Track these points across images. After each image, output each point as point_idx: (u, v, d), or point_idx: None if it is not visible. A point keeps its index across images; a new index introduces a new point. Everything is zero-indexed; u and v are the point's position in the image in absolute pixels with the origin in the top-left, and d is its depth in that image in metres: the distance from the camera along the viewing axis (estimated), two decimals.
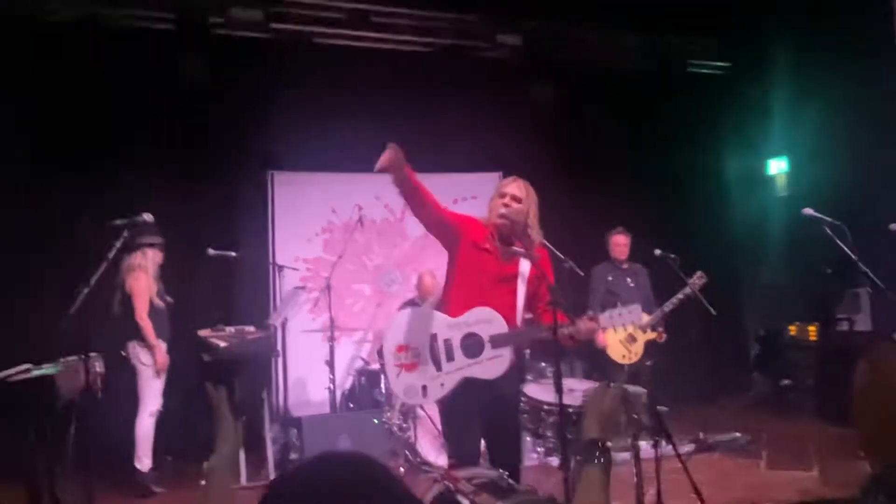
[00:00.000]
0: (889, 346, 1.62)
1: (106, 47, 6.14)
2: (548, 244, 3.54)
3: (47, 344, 3.53)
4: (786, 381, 7.25)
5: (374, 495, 0.99)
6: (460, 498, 2.66)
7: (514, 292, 3.31)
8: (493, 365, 3.17)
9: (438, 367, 3.19)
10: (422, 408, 5.19)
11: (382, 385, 5.76)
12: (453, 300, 3.28)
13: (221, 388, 1.80)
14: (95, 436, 4.81)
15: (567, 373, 5.99)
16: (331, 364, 5.57)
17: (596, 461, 1.55)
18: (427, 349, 3.19)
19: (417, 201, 3.20)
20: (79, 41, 6.10)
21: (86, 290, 3.01)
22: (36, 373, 2.93)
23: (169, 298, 5.42)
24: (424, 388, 3.18)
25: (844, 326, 6.95)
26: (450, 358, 3.18)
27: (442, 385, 3.19)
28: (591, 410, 1.70)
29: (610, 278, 6.14)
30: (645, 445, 3.23)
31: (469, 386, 3.16)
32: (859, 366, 1.55)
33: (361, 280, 7.08)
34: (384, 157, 3.09)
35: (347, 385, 6.14)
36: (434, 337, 3.19)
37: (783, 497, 4.50)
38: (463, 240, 3.28)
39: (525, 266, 3.33)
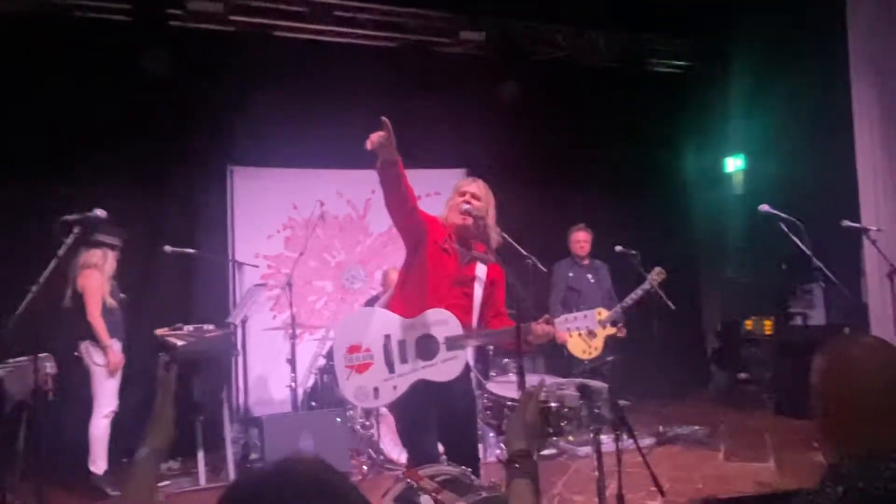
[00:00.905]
0: (845, 341, 1.65)
1: (60, 39, 5.96)
2: (510, 240, 3.54)
3: (2, 328, 3.39)
4: (743, 375, 7.40)
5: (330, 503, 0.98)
6: (423, 495, 2.65)
7: (470, 295, 3.29)
8: (447, 367, 3.12)
9: (391, 369, 3.10)
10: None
11: None
12: (408, 300, 3.20)
13: (172, 375, 1.76)
14: (48, 438, 4.67)
15: (530, 369, 6.03)
16: (292, 362, 5.50)
17: (524, 471, 1.57)
18: (380, 350, 3.10)
19: (398, 188, 3.08)
20: (32, 33, 5.91)
21: (34, 289, 2.91)
22: None
23: (123, 296, 5.29)
24: (376, 389, 3.08)
25: (799, 321, 7.12)
26: (403, 360, 3.11)
27: (395, 388, 3.10)
28: (514, 422, 1.73)
29: (571, 274, 6.19)
30: (606, 439, 3.24)
31: (423, 388, 3.10)
32: (816, 360, 1.57)
33: (324, 277, 7.01)
34: (379, 135, 2.98)
35: (310, 383, 6.07)
36: (388, 338, 3.12)
37: (741, 488, 4.58)
38: (428, 238, 3.21)
39: (481, 270, 3.32)
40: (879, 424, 1.46)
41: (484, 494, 2.52)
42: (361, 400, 3.13)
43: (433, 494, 2.58)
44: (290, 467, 1.02)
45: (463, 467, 2.89)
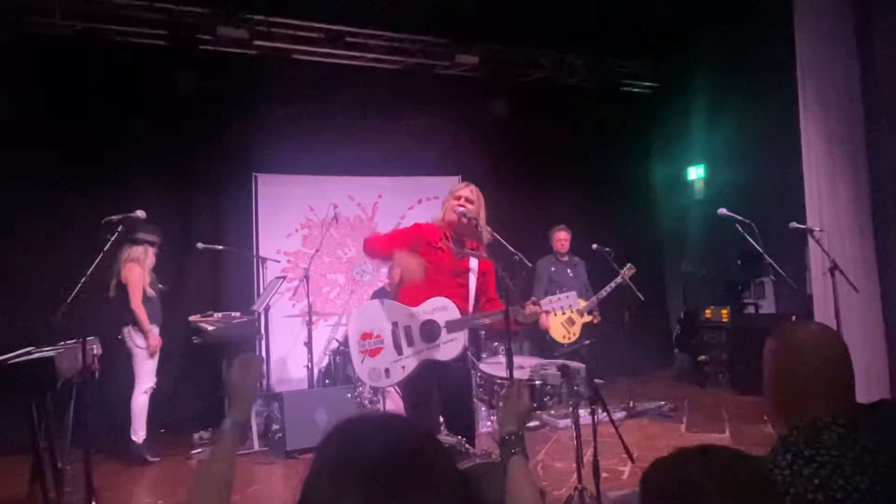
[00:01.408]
0: (792, 326, 1.65)
1: (104, 60, 5.94)
2: (500, 238, 3.54)
3: (48, 330, 3.39)
4: (702, 357, 7.40)
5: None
6: None
7: (466, 285, 3.31)
8: (449, 348, 3.15)
9: (400, 352, 3.13)
10: None
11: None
12: (412, 293, 3.22)
13: (261, 359, 1.73)
14: (95, 411, 4.68)
15: (517, 351, 6.03)
16: (309, 345, 5.49)
17: (519, 450, 1.61)
18: (389, 336, 3.13)
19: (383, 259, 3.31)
20: (80, 54, 5.89)
21: (82, 281, 2.90)
22: (37, 355, 2.81)
23: (161, 287, 5.28)
24: (387, 370, 3.11)
25: (752, 310, 7.12)
26: (410, 343, 3.13)
27: (403, 368, 3.13)
28: (507, 408, 1.74)
29: (552, 269, 6.19)
30: (583, 413, 3.25)
31: (428, 368, 3.13)
32: (768, 343, 1.57)
33: (336, 271, 6.99)
34: (415, 265, 3.09)
35: (324, 364, 6.06)
36: (395, 324, 3.14)
37: None
38: (419, 243, 3.24)
39: (474, 262, 3.34)
40: (822, 398, 1.47)
41: (478, 461, 2.52)
42: (375, 380, 3.15)
43: None
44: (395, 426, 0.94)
45: (459, 437, 2.90)
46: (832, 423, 1.43)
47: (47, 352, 2.91)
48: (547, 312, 3.17)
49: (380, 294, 6.11)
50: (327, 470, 0.86)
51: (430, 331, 3.15)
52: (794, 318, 6.27)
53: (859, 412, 1.48)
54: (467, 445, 2.82)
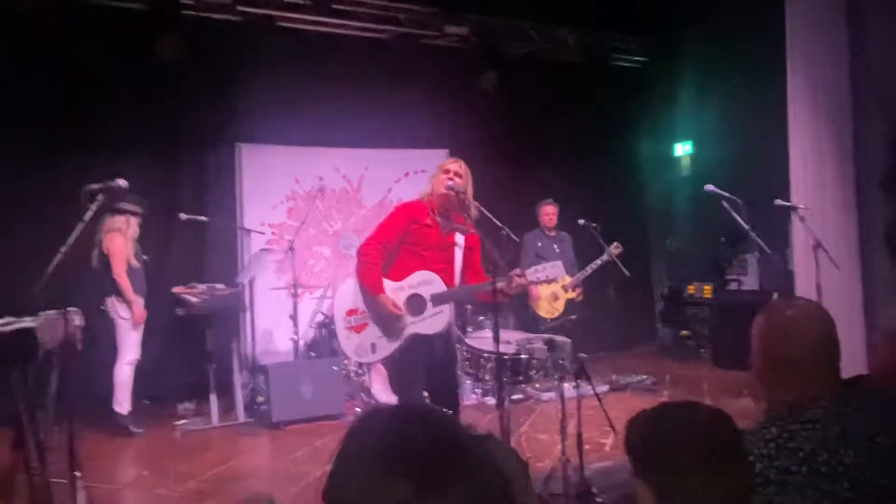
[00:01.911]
0: (781, 304, 1.66)
1: (83, 26, 5.74)
2: (487, 213, 3.53)
3: (28, 299, 3.33)
4: (685, 332, 7.50)
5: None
6: None
7: (452, 260, 3.31)
8: (435, 321, 3.16)
9: (385, 328, 3.14)
10: None
11: None
12: (398, 267, 3.22)
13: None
14: (77, 383, 4.64)
15: (503, 325, 6.05)
16: (294, 318, 5.47)
17: None
18: (375, 313, 3.13)
19: None
20: (58, 20, 5.67)
21: (62, 251, 2.83)
22: (16, 325, 2.76)
23: (145, 257, 5.21)
24: (373, 345, 3.11)
25: (734, 286, 7.20)
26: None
27: (389, 342, 3.15)
28: None
29: (539, 244, 6.19)
30: (568, 386, 3.28)
31: (413, 341, 3.13)
32: (756, 320, 1.58)
33: (322, 243, 6.94)
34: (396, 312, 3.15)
35: (309, 336, 6.05)
36: None
37: None
38: (411, 225, 3.24)
39: (460, 237, 3.34)
40: (809, 375, 1.49)
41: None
42: (361, 356, 3.14)
43: None
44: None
45: (445, 410, 2.91)
46: (818, 398, 1.45)
47: (27, 322, 2.85)
48: (533, 283, 3.16)
49: None
50: (369, 457, 0.83)
51: (415, 304, 3.15)
52: (775, 294, 6.37)
53: (844, 387, 1.50)
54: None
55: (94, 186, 2.93)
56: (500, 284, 2.98)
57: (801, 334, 1.50)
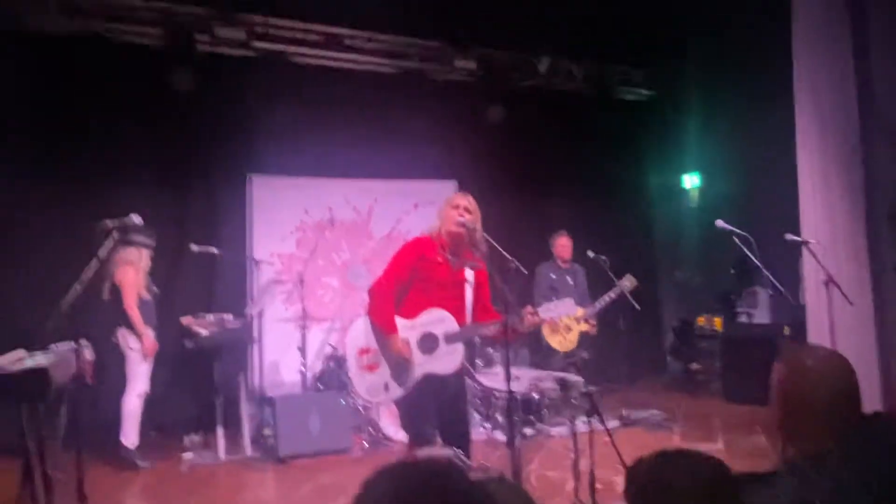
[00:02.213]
0: (801, 352, 1.65)
1: (99, 60, 5.87)
2: (496, 245, 3.52)
3: (41, 332, 3.35)
4: (695, 365, 7.41)
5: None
6: None
7: (462, 296, 3.29)
8: (448, 360, 3.13)
9: (398, 367, 3.11)
10: None
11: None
12: (409, 306, 3.20)
13: None
14: (86, 415, 4.62)
15: (513, 360, 6.00)
16: (302, 349, 5.46)
17: None
18: (387, 352, 3.11)
19: None
20: (74, 53, 5.82)
21: (77, 287, 2.85)
22: (29, 363, 2.76)
23: (155, 289, 5.23)
24: (386, 385, 3.08)
25: (745, 319, 7.14)
26: None
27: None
28: None
29: (553, 276, 6.17)
30: (580, 423, 3.24)
31: (427, 381, 3.10)
32: (776, 367, 1.57)
33: (331, 274, 6.96)
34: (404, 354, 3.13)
35: (318, 368, 6.03)
36: None
37: None
38: (420, 263, 3.23)
39: (470, 275, 3.33)
40: (826, 426, 1.47)
41: (479, 475, 2.49)
42: (374, 395, 3.11)
43: None
44: (421, 466, 0.99)
45: (456, 449, 2.88)
46: (836, 449, 1.43)
47: (39, 358, 2.86)
48: (545, 321, 3.14)
49: None
50: None
51: (428, 343, 3.12)
52: (786, 329, 6.31)
53: (862, 433, 1.48)
54: (465, 459, 2.81)
55: (109, 223, 2.96)
56: (512, 323, 2.97)
57: (821, 385, 1.48)
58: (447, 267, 3.22)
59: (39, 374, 2.62)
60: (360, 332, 3.18)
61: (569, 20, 6.98)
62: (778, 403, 1.55)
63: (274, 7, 6.33)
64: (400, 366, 3.09)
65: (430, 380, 3.10)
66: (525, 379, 3.17)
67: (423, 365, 3.10)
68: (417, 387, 3.08)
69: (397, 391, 3.07)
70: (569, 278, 6.18)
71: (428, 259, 3.21)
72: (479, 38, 7.19)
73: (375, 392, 3.09)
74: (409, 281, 3.20)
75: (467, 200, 3.32)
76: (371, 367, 3.09)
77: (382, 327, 3.14)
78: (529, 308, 3.11)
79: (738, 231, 4.05)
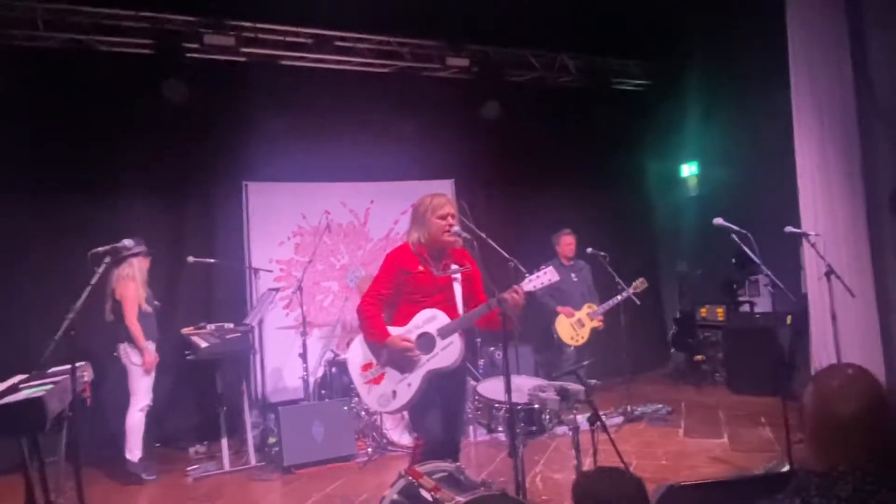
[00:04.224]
0: (831, 371, 1.62)
1: (89, 71, 5.82)
2: (493, 244, 3.47)
3: (39, 356, 3.33)
4: (698, 356, 7.39)
5: None
6: (422, 492, 2.61)
7: (452, 297, 3.30)
8: (447, 354, 3.18)
9: (402, 371, 3.16)
10: None
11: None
12: (400, 315, 3.26)
13: None
14: (90, 432, 4.63)
15: (524, 367, 5.99)
16: (304, 356, 5.43)
17: None
18: (388, 360, 3.16)
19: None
20: (64, 66, 5.76)
21: (70, 316, 2.82)
22: (25, 393, 2.73)
23: (157, 303, 5.21)
24: (394, 392, 3.15)
25: (746, 308, 7.11)
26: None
27: (409, 385, 3.17)
28: None
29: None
30: (582, 419, 3.21)
31: (431, 380, 3.16)
32: (808, 388, 1.54)
33: (330, 278, 6.93)
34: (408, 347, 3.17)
35: (319, 374, 6.02)
36: None
37: (698, 463, 4.57)
38: (398, 272, 3.25)
39: (457, 273, 3.33)
40: (842, 449, 1.44)
41: (482, 491, 2.48)
42: (384, 405, 3.18)
43: (432, 493, 2.54)
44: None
45: (457, 464, 2.86)
46: (848, 474, 1.40)
47: (36, 388, 2.83)
48: (529, 293, 3.09)
49: None
50: None
51: (425, 343, 3.19)
52: (789, 318, 6.28)
53: (882, 462, 1.45)
54: (464, 472, 2.79)
55: (101, 249, 2.93)
56: (501, 307, 2.92)
57: (843, 406, 1.46)
58: (429, 276, 3.23)
59: (36, 404, 2.59)
60: (358, 351, 3.26)
61: (563, 13, 6.91)
62: (805, 423, 1.53)
63: (262, 12, 6.25)
64: (406, 368, 3.11)
65: (434, 376, 3.15)
66: (525, 389, 3.14)
67: (424, 364, 3.15)
68: (423, 387, 3.12)
69: (406, 395, 3.12)
70: (573, 275, 6.18)
71: (410, 272, 3.23)
72: (471, 35, 7.11)
73: (385, 401, 3.15)
74: (395, 293, 3.23)
75: (451, 205, 3.28)
76: (377, 380, 3.18)
77: (378, 340, 3.18)
78: (514, 287, 3.03)
79: (736, 228, 4.00)
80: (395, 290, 3.24)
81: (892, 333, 4.94)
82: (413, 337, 3.17)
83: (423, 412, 3.22)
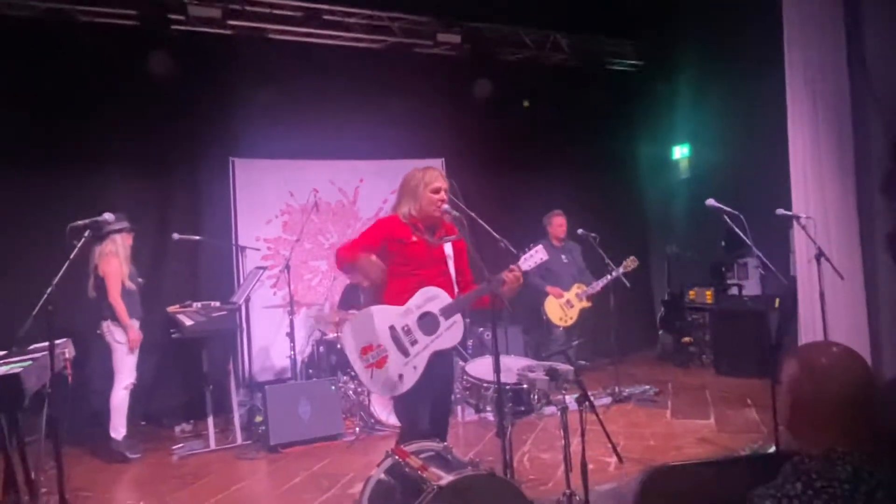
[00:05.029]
0: (816, 348, 1.58)
1: (71, 42, 5.66)
2: (484, 224, 3.42)
3: (18, 333, 3.26)
4: (686, 338, 7.42)
5: None
6: (409, 471, 2.58)
7: (447, 272, 3.24)
8: (451, 334, 3.10)
9: (407, 354, 3.03)
10: None
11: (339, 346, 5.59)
12: (396, 290, 3.11)
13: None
14: (73, 410, 4.55)
15: (512, 347, 5.99)
16: (291, 335, 5.38)
17: None
18: (390, 341, 3.01)
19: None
20: (45, 37, 5.60)
21: (48, 291, 2.75)
22: (3, 370, 2.67)
23: (141, 280, 5.12)
24: (400, 376, 2.98)
25: (735, 291, 7.12)
26: (413, 342, 3.04)
27: (415, 368, 3.03)
28: None
29: (547, 256, 6.11)
30: (570, 399, 3.20)
31: (433, 362, 3.06)
32: (787, 365, 1.51)
33: (318, 257, 6.86)
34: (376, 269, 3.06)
35: (307, 353, 5.98)
36: (393, 328, 3.02)
37: (685, 444, 4.59)
38: (389, 241, 3.15)
39: (449, 247, 3.27)
40: (841, 427, 1.42)
41: (469, 470, 2.46)
42: (391, 390, 3.01)
43: (419, 471, 2.51)
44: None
45: (445, 443, 2.83)
46: (847, 455, 1.38)
47: (13, 364, 2.77)
48: (525, 272, 3.08)
49: (350, 291, 6.01)
50: None
51: (428, 324, 3.07)
52: (777, 301, 6.30)
53: (878, 444, 1.43)
54: (452, 451, 2.76)
55: (80, 223, 2.84)
56: (496, 289, 2.90)
57: (833, 384, 1.43)
58: (423, 245, 3.15)
59: (13, 381, 2.52)
60: (355, 332, 3.04)
61: None
62: (788, 403, 1.49)
63: None
64: (409, 347, 3.02)
65: (434, 357, 3.06)
66: (514, 369, 3.11)
67: (429, 346, 3.05)
68: (427, 369, 3.03)
69: (413, 377, 3.00)
70: (563, 256, 6.16)
71: (402, 241, 3.13)
72: (463, 11, 6.99)
73: (392, 387, 2.99)
74: (379, 255, 3.10)
75: (442, 178, 3.22)
76: (379, 363, 2.99)
77: (351, 260, 3.09)
78: (511, 266, 3.03)
79: (728, 209, 3.97)
80: (380, 248, 3.12)
81: (880, 317, 4.95)
82: (415, 318, 3.07)
83: (413, 395, 3.09)
